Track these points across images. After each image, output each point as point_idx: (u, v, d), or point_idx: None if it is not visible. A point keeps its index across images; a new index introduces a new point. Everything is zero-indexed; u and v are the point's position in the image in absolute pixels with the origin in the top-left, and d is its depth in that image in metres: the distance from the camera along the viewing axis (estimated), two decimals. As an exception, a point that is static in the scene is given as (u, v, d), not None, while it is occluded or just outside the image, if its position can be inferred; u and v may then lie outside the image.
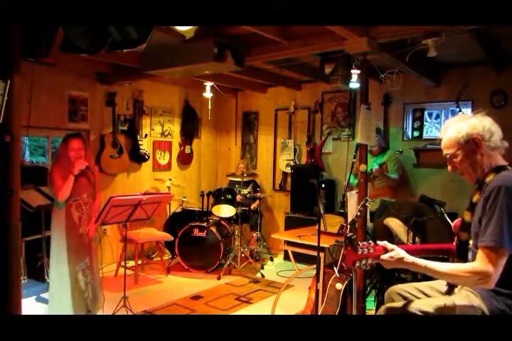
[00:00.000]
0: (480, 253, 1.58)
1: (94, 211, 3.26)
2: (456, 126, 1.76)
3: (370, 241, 1.71)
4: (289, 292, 4.05)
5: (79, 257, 3.18)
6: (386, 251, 1.69)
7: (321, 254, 2.94)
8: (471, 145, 1.72)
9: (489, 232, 1.57)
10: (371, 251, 1.67)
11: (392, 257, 1.66)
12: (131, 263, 4.58)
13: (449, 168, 1.83)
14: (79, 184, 3.14)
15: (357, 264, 1.66)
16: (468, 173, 1.78)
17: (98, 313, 3.31)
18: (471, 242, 1.76)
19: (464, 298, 1.75)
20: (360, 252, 1.66)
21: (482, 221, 1.63)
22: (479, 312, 1.68)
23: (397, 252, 1.67)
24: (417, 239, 2.87)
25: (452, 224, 2.07)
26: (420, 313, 1.72)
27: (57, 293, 3.13)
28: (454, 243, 1.94)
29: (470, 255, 1.77)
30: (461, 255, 1.81)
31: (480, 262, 1.57)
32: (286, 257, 5.29)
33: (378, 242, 1.74)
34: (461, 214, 1.88)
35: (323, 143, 5.47)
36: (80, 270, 3.19)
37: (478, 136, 1.71)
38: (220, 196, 5.05)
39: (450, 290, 1.87)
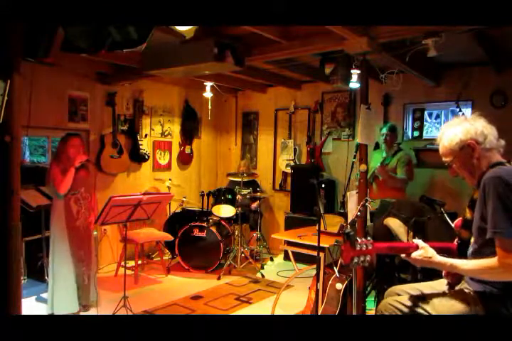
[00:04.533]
0: (496, 248, 1.59)
1: (92, 206, 3.44)
2: (449, 133, 1.78)
3: (369, 238, 1.72)
4: (289, 292, 4.05)
5: (76, 250, 3.31)
6: (418, 249, 1.73)
7: (321, 254, 2.94)
8: (467, 150, 1.74)
9: (490, 225, 1.59)
10: (370, 247, 1.68)
11: (420, 255, 1.71)
12: (131, 263, 4.58)
13: (450, 173, 1.86)
14: (77, 178, 3.29)
15: (355, 260, 1.66)
16: (468, 177, 1.80)
17: (93, 311, 3.35)
18: (472, 240, 1.76)
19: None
20: (358, 248, 1.66)
21: (484, 215, 1.64)
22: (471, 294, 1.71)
23: (426, 251, 1.71)
24: (416, 239, 2.87)
25: (453, 224, 2.07)
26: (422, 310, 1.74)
27: (60, 285, 3.29)
28: (455, 242, 1.95)
29: (469, 252, 1.78)
30: (463, 254, 1.82)
31: (497, 256, 1.58)
32: (286, 257, 5.29)
33: (414, 240, 1.78)
34: (462, 212, 1.89)
35: (323, 143, 5.46)
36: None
37: (472, 140, 1.72)
38: (220, 196, 5.05)
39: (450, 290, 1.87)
